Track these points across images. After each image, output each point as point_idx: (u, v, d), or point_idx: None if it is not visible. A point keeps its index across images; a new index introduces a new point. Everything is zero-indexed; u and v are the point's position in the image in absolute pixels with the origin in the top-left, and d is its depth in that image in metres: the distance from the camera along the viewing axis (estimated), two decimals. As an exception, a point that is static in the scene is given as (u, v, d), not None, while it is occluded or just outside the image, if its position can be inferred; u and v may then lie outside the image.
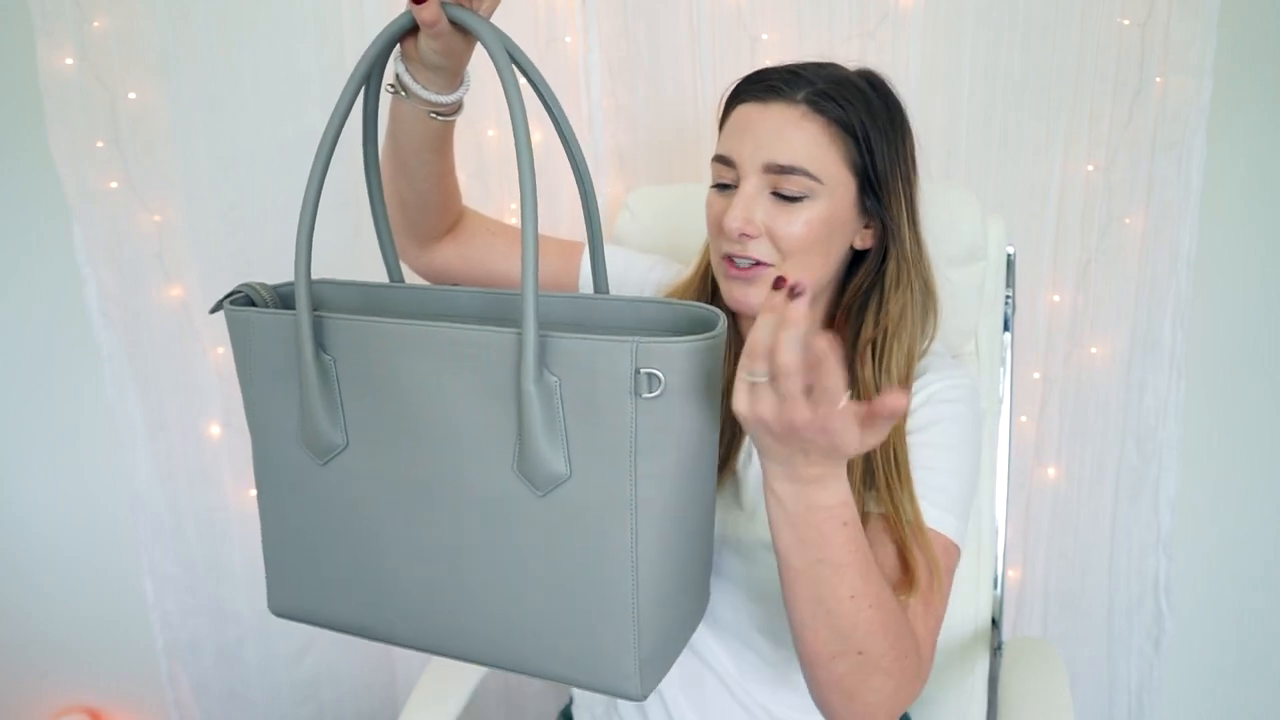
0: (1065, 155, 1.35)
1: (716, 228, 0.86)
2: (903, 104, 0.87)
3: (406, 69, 0.77)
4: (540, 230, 1.44)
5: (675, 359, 0.63)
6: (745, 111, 0.84)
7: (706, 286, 0.95)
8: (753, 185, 0.82)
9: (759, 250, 0.83)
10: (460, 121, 1.42)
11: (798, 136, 0.81)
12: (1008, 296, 1.19)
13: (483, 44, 0.68)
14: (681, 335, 0.66)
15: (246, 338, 0.76)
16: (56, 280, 1.51)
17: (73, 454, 1.60)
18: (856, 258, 0.90)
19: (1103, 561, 1.47)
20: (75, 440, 1.60)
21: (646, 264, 1.04)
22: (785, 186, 0.81)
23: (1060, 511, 1.47)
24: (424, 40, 0.73)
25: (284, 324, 0.73)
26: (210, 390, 1.49)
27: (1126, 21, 1.30)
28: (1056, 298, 1.40)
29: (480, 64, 1.38)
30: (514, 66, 0.68)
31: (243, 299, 0.77)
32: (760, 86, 0.83)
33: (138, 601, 1.58)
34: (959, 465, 0.84)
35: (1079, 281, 1.39)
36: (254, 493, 1.54)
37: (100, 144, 1.39)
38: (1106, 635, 1.50)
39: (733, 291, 0.85)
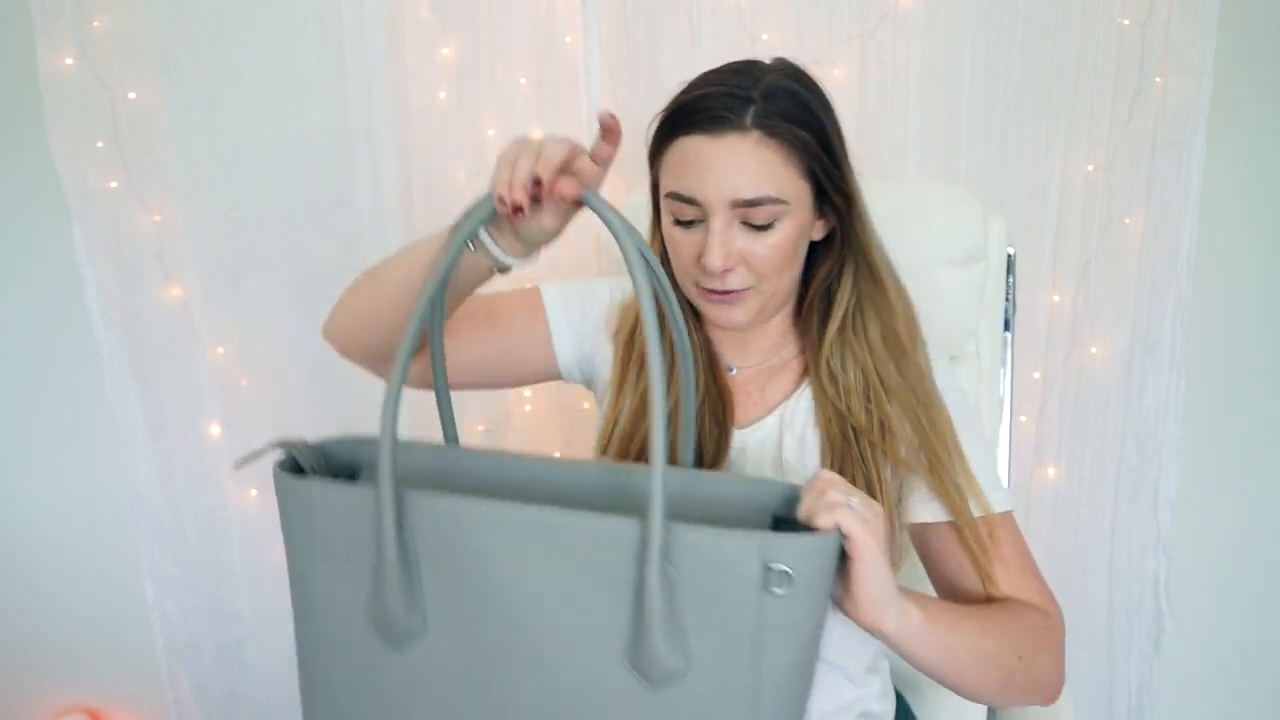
0: (1065, 155, 1.35)
1: (690, 263, 0.85)
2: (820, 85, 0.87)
3: (489, 233, 0.76)
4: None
5: (804, 556, 0.61)
6: (695, 146, 0.81)
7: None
8: (722, 221, 0.82)
9: (737, 280, 0.84)
10: (460, 121, 1.43)
11: (758, 166, 0.80)
12: (1008, 297, 1.19)
13: (615, 239, 0.66)
14: (792, 513, 0.66)
15: (305, 511, 0.69)
16: (56, 280, 1.51)
17: (73, 454, 1.60)
18: (811, 247, 0.91)
19: (1103, 561, 1.47)
20: (75, 440, 1.59)
21: (605, 288, 1.01)
22: (755, 217, 0.81)
23: (1060, 511, 1.47)
24: (535, 219, 0.73)
25: (357, 500, 0.67)
26: (210, 390, 1.49)
27: (1126, 21, 1.30)
28: (1056, 298, 1.40)
29: (481, 64, 1.38)
30: (646, 263, 0.65)
31: (289, 461, 0.71)
32: (703, 117, 0.81)
33: (138, 601, 1.58)
34: (978, 441, 0.89)
35: (1079, 281, 1.39)
36: (254, 492, 1.54)
37: (100, 144, 1.39)
38: (1106, 635, 1.50)
39: (719, 316, 0.86)
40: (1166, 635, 1.47)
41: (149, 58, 1.37)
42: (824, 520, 0.65)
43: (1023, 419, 1.44)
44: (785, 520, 0.69)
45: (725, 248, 0.82)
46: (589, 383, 1.01)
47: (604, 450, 0.94)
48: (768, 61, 0.86)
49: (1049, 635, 0.82)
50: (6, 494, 1.63)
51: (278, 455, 0.72)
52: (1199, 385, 1.43)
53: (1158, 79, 1.31)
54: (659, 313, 0.69)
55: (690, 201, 0.82)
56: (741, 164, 0.80)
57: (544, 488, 0.72)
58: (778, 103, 0.81)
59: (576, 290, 1.02)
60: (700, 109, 0.81)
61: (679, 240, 0.85)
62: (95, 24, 1.35)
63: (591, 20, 1.35)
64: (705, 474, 0.72)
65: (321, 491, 0.69)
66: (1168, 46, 1.29)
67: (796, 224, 0.84)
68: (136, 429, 1.50)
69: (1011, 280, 1.20)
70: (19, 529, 1.64)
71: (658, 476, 0.60)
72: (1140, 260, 1.37)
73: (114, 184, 1.41)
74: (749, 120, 0.80)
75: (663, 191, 0.85)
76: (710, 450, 0.91)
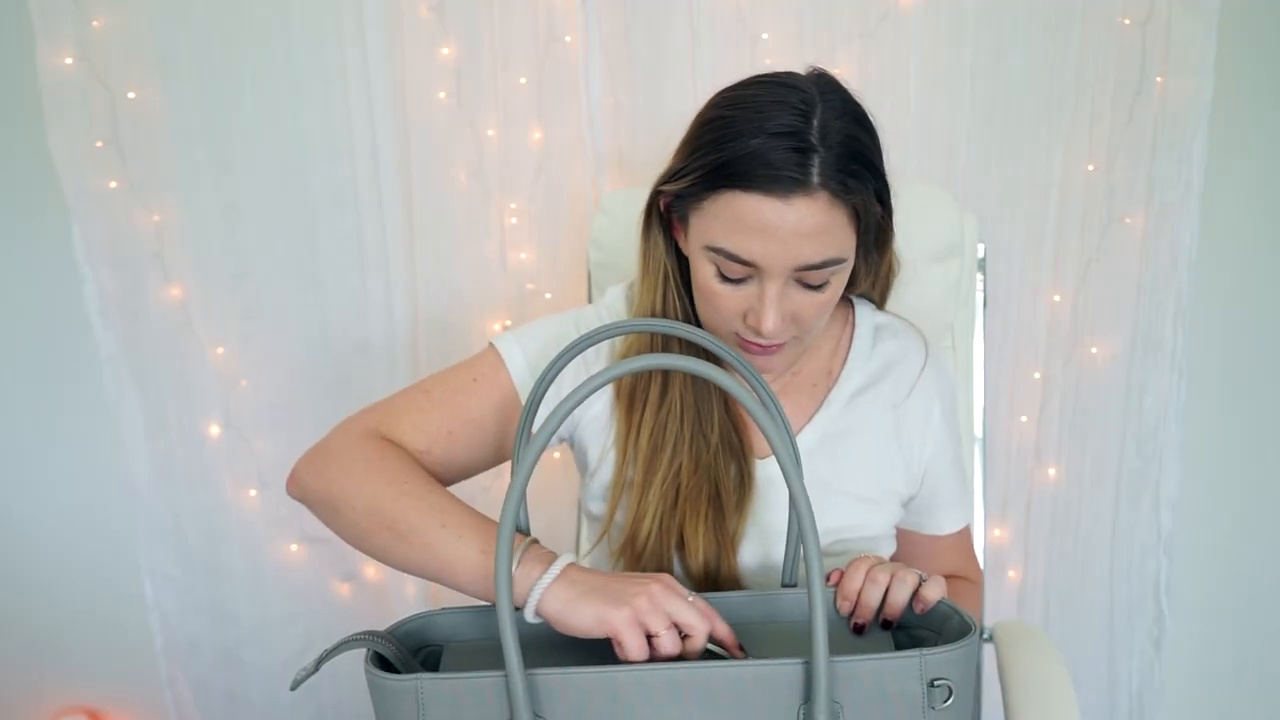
0: (1065, 155, 1.35)
1: (732, 317, 0.82)
2: (863, 104, 0.83)
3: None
4: (532, 236, 1.43)
5: (959, 663, 0.62)
6: (755, 207, 0.75)
7: (675, 312, 0.90)
8: (780, 284, 0.78)
9: (785, 335, 0.81)
10: (460, 121, 1.43)
11: (826, 231, 0.76)
12: (982, 292, 1.24)
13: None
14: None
15: (416, 709, 0.64)
16: (56, 280, 1.51)
17: (72, 454, 1.60)
18: None
19: (1103, 562, 1.47)
20: (75, 440, 1.59)
21: (571, 329, 0.95)
22: (814, 278, 0.78)
23: (1060, 511, 1.46)
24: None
25: (476, 690, 0.63)
26: (210, 390, 1.49)
27: (1127, 21, 1.30)
28: (1056, 298, 1.40)
29: (481, 64, 1.38)
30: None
31: (375, 658, 0.68)
32: (765, 177, 0.74)
33: (137, 602, 1.58)
34: (960, 445, 0.98)
35: (1079, 281, 1.39)
36: (254, 493, 1.54)
37: (100, 144, 1.39)
38: (1107, 635, 1.49)
39: (756, 363, 0.84)
40: (1166, 635, 1.47)
41: (149, 58, 1.37)
42: (935, 592, 0.72)
43: (1023, 419, 1.44)
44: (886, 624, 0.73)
45: (781, 311, 0.78)
46: (567, 434, 0.96)
47: (615, 505, 0.90)
48: (801, 72, 0.81)
49: (977, 597, 1.02)
50: (5, 494, 1.63)
51: (364, 654, 0.67)
52: (1199, 385, 1.43)
53: (1158, 79, 1.31)
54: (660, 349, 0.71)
55: (744, 263, 0.77)
56: (809, 230, 0.75)
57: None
58: (837, 150, 0.75)
59: (553, 326, 0.95)
60: (759, 163, 0.75)
61: (721, 294, 0.81)
62: (95, 24, 1.35)
63: (591, 20, 1.35)
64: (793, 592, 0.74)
65: (434, 687, 0.63)
66: (1168, 46, 1.29)
67: (846, 275, 0.82)
68: (136, 429, 1.50)
69: (984, 276, 1.23)
70: (18, 529, 1.64)
71: (819, 612, 0.59)
72: (1140, 260, 1.37)
73: (113, 184, 1.41)
74: (816, 178, 0.74)
75: (701, 240, 0.80)
76: (732, 489, 0.88)
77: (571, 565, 0.71)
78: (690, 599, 0.69)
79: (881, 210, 0.82)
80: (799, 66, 0.84)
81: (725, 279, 0.80)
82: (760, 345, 0.82)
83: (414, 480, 0.79)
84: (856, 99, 0.81)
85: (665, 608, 0.67)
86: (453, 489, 0.84)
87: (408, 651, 0.72)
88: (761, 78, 0.81)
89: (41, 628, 1.67)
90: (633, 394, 0.89)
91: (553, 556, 0.71)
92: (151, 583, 1.56)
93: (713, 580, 0.87)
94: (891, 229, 0.86)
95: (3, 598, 1.66)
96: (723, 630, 0.69)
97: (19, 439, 1.60)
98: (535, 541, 0.73)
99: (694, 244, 0.82)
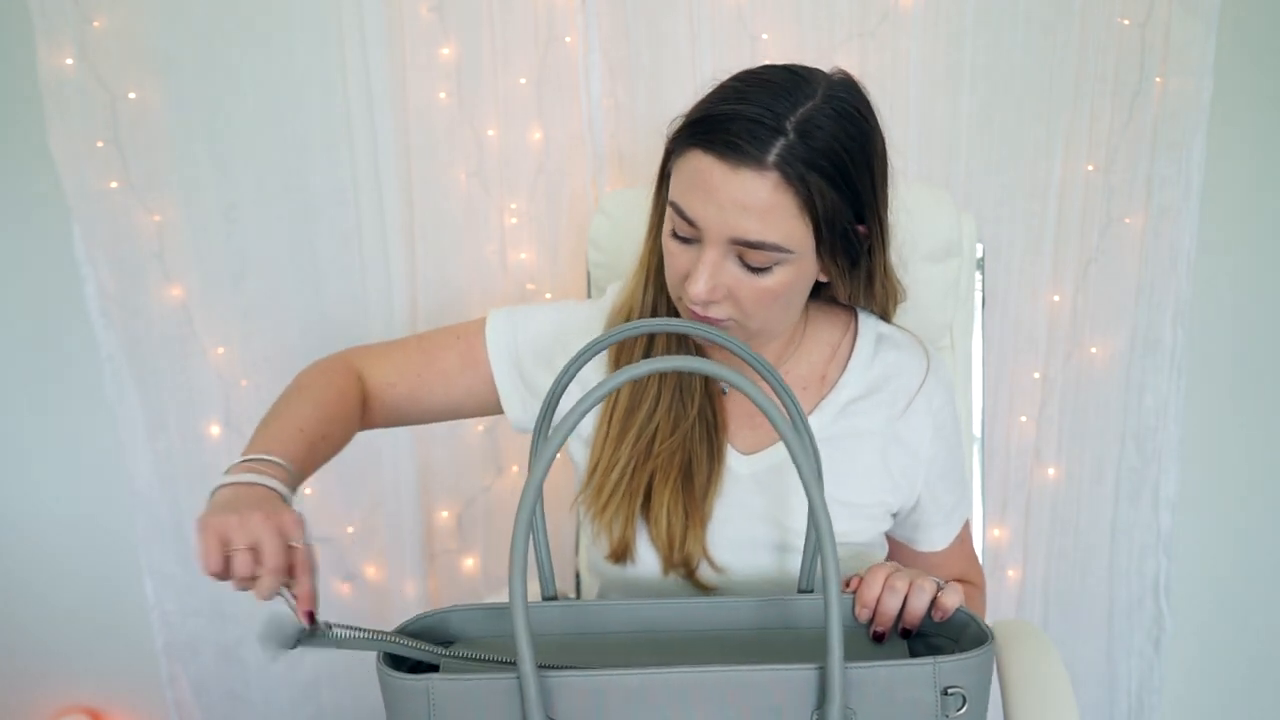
0: (1065, 155, 1.35)
1: (677, 279, 0.83)
2: (871, 104, 0.82)
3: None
4: (531, 234, 1.43)
5: (973, 672, 0.62)
6: (706, 168, 0.76)
7: (656, 303, 0.91)
8: (717, 253, 0.78)
9: (721, 311, 0.81)
10: (460, 120, 1.43)
11: (768, 211, 0.75)
12: (980, 292, 1.24)
13: None
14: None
15: (427, 709, 0.64)
16: (56, 280, 1.51)
17: (72, 454, 1.60)
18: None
19: (1103, 561, 1.47)
20: (75, 440, 1.59)
21: (550, 324, 0.97)
22: (753, 259, 0.78)
23: (1060, 511, 1.46)
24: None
25: (487, 690, 0.63)
26: (210, 390, 1.49)
27: (1126, 21, 1.30)
28: (1056, 298, 1.40)
29: (481, 64, 1.38)
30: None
31: (387, 656, 0.68)
32: (722, 140, 0.75)
33: (138, 601, 1.58)
34: (961, 450, 0.98)
35: (1079, 281, 1.39)
36: (254, 493, 1.54)
37: (100, 144, 1.39)
38: (1106, 635, 1.50)
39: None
40: (1166, 635, 1.47)
41: (149, 58, 1.37)
42: (953, 600, 0.72)
43: (1023, 419, 1.44)
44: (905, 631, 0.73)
45: (713, 280, 0.79)
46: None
47: (589, 482, 0.91)
48: (828, 71, 0.81)
49: (980, 600, 1.03)
50: (6, 494, 1.63)
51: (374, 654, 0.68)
52: (1199, 385, 1.43)
53: (1158, 79, 1.31)
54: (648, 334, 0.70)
55: (690, 222, 0.78)
56: (750, 204, 0.75)
57: (690, 634, 0.71)
58: (811, 143, 0.75)
59: (551, 315, 0.98)
60: (722, 128, 0.76)
61: (673, 251, 0.82)
62: (95, 24, 1.35)
63: (591, 20, 1.35)
64: (811, 597, 0.74)
65: (445, 687, 0.64)
66: (1168, 46, 1.29)
67: (798, 271, 0.81)
68: (136, 429, 1.50)
69: (982, 276, 1.24)
70: (18, 529, 1.64)
71: (834, 617, 0.59)
72: (1140, 260, 1.37)
73: (114, 184, 1.41)
74: (771, 158, 0.74)
75: (669, 194, 0.82)
76: (704, 466, 0.88)
77: (259, 485, 0.73)
78: (295, 544, 0.69)
79: (859, 224, 0.81)
80: (827, 66, 0.84)
81: (677, 236, 0.81)
82: (696, 314, 0.82)
83: (312, 389, 0.88)
84: (868, 114, 0.81)
85: (255, 532, 0.67)
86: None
87: (433, 643, 0.72)
88: (784, 65, 0.82)
89: (42, 628, 1.68)
90: (616, 361, 0.92)
91: (262, 471, 0.74)
92: (151, 583, 1.56)
93: (680, 554, 0.87)
94: (872, 248, 0.85)
95: (3, 597, 1.66)
96: (304, 587, 0.69)
97: (19, 439, 1.60)
98: (278, 465, 0.76)
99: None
